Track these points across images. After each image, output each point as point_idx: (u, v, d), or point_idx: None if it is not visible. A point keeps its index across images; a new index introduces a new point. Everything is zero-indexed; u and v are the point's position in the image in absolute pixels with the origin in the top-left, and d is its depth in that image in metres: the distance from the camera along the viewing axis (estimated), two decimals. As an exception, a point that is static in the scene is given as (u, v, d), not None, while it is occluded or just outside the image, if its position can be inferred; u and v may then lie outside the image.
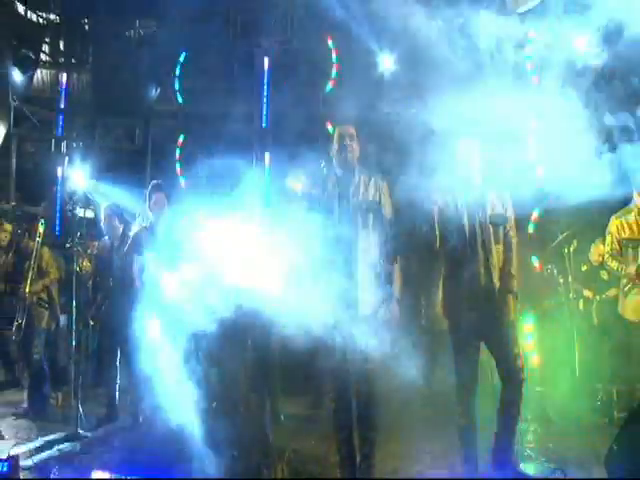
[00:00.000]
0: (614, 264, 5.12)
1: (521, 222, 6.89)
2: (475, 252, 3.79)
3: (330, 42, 8.65)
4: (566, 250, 5.88)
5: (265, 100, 9.13)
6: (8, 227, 5.91)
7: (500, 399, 3.80)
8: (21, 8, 9.77)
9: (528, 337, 5.94)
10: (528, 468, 4.19)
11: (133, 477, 3.76)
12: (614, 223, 5.19)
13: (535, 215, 6.87)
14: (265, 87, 9.10)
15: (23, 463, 4.22)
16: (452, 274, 3.87)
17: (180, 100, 9.62)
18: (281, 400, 5.70)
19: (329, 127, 8.14)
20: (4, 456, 4.37)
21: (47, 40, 9.93)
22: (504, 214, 3.88)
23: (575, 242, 5.90)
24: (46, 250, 5.90)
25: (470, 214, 3.82)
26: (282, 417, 5.60)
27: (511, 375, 3.77)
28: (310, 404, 6.10)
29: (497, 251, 3.83)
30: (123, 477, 3.76)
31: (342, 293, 3.77)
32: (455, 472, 3.94)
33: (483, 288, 3.78)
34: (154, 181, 5.64)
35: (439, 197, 3.88)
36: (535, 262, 6.58)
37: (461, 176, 3.86)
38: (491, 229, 3.82)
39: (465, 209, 3.82)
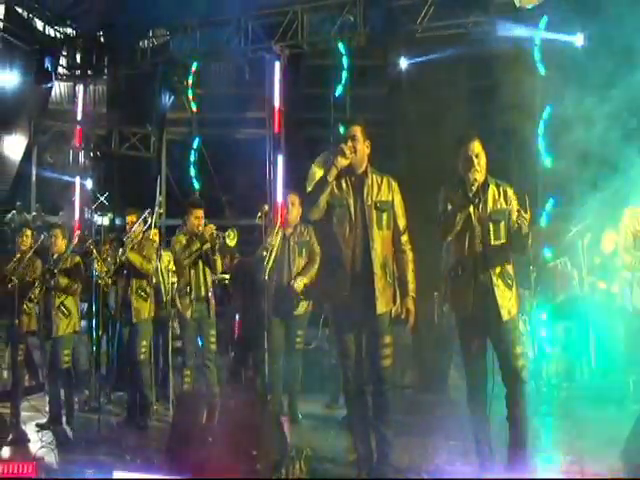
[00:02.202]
0: (628, 259, 5.03)
1: (533, 216, 6.87)
2: (473, 248, 3.72)
3: (341, 45, 8.64)
4: (580, 243, 5.81)
5: (277, 104, 9.13)
6: (28, 232, 6.02)
7: (505, 400, 3.70)
8: (39, 24, 9.94)
9: (543, 331, 5.89)
10: (544, 461, 4.15)
11: (153, 477, 3.78)
12: (628, 215, 5.11)
13: (547, 208, 6.81)
14: (276, 91, 9.11)
15: (47, 465, 4.27)
16: (455, 269, 3.80)
17: (193, 107, 9.68)
18: (299, 399, 5.72)
19: (340, 129, 8.14)
20: (29, 459, 4.45)
21: (64, 54, 10.07)
22: (505, 210, 3.72)
23: (589, 235, 5.84)
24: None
25: (471, 210, 3.72)
26: (300, 416, 5.62)
27: (511, 375, 3.66)
28: (327, 403, 6.11)
29: (496, 248, 3.70)
30: (144, 477, 3.79)
31: (358, 292, 3.75)
32: (472, 469, 3.90)
33: (482, 285, 3.70)
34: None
35: (445, 192, 3.82)
36: (548, 255, 6.52)
37: (465, 172, 3.72)
38: (491, 226, 3.70)
39: (467, 205, 3.72)
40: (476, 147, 3.71)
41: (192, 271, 5.62)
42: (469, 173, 3.67)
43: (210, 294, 5.67)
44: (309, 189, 3.95)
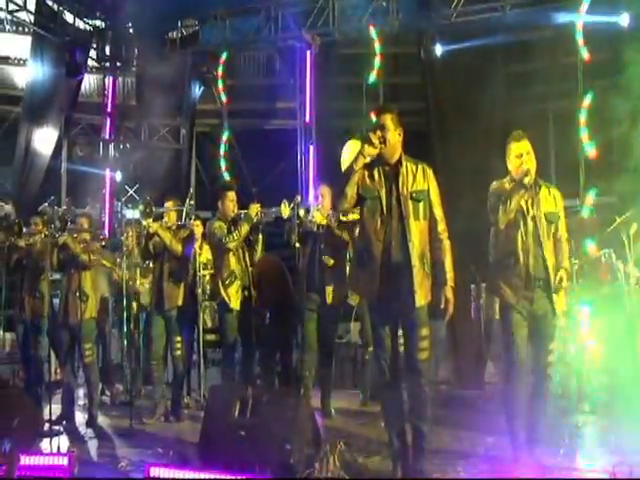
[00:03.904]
0: None
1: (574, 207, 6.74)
2: (527, 244, 3.91)
3: (373, 32, 8.56)
4: (625, 234, 5.66)
5: (308, 94, 9.12)
6: (38, 220, 6.12)
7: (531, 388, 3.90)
8: (69, 16, 10.09)
9: (585, 325, 5.78)
10: (592, 462, 4.07)
11: (187, 472, 3.82)
12: None
13: (590, 198, 6.64)
14: (308, 81, 9.10)
15: (81, 458, 4.35)
16: (505, 260, 3.97)
17: (223, 98, 9.72)
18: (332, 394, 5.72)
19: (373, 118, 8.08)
20: (63, 451, 4.55)
21: (94, 46, 10.22)
22: (557, 212, 3.99)
23: (635, 225, 5.68)
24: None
25: (523, 204, 3.93)
26: (333, 411, 5.63)
27: (541, 368, 3.89)
28: (361, 400, 6.12)
29: (549, 246, 3.94)
30: (179, 472, 3.83)
31: (394, 285, 3.70)
32: (510, 465, 3.85)
33: (536, 279, 3.88)
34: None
35: (497, 185, 4.03)
36: (590, 246, 6.36)
37: (518, 166, 3.94)
38: (545, 225, 3.92)
39: (522, 192, 3.90)
40: (527, 145, 3.96)
41: (234, 259, 5.59)
42: (523, 165, 3.89)
43: (252, 283, 5.65)
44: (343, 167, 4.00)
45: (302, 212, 5.41)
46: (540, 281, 3.85)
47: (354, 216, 4.75)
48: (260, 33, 9.22)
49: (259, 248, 5.73)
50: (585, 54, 6.95)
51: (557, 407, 4.95)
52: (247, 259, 5.68)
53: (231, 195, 5.69)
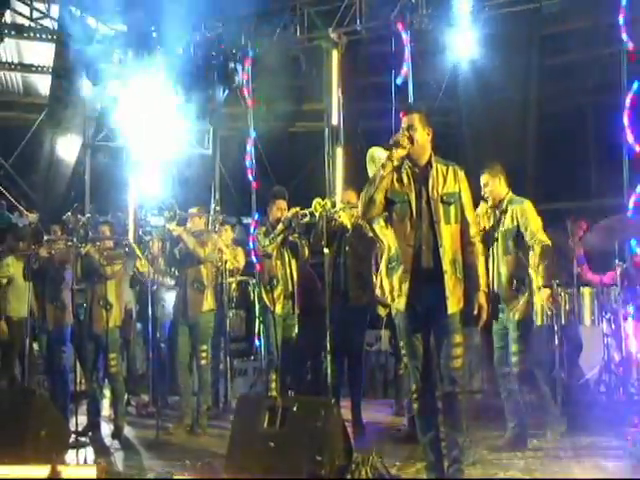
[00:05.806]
0: None
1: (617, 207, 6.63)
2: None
3: (402, 30, 8.55)
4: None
5: (335, 95, 9.15)
6: (56, 227, 6.30)
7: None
8: (92, 21, 10.28)
9: (631, 330, 5.69)
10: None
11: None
12: None
13: (634, 196, 6.51)
14: (334, 81, 9.13)
15: (108, 469, 4.43)
16: None
17: (248, 101, 9.80)
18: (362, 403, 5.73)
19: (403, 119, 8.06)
20: (90, 462, 4.65)
21: (117, 51, 10.39)
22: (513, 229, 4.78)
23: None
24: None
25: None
26: (364, 420, 5.63)
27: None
28: (395, 411, 6.11)
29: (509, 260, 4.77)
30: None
31: (425, 291, 3.71)
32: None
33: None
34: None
35: None
36: (636, 247, 6.24)
37: None
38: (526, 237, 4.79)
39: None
40: (483, 178, 4.90)
41: (277, 263, 5.66)
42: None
43: (296, 290, 5.70)
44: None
45: (329, 204, 5.39)
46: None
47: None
48: (285, 32, 9.28)
49: (306, 253, 5.75)
50: (629, 43, 6.79)
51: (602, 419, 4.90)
52: (292, 265, 5.73)
53: (279, 203, 5.76)
